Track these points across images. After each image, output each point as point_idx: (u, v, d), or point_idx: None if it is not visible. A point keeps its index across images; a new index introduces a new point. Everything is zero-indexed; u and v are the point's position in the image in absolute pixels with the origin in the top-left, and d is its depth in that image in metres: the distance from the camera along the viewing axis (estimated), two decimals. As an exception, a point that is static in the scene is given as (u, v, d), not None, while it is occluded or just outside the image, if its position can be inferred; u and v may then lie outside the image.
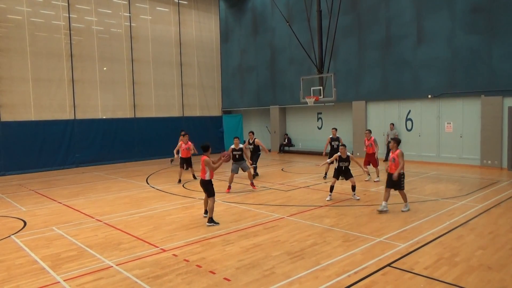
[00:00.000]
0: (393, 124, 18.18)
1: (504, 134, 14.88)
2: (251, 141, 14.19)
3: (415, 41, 17.18)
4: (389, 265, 5.76)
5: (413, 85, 17.41)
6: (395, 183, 8.73)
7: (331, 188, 10.25)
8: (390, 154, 9.10)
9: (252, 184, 12.00)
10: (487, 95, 15.15)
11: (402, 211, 8.90)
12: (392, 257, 6.05)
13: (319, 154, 21.60)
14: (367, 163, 12.84)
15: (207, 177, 8.29)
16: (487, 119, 15.22)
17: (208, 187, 8.29)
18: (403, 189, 8.90)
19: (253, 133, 14.66)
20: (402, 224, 7.85)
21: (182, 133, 15.32)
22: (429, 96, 16.86)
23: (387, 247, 6.52)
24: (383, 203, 8.85)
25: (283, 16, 20.16)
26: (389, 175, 8.89)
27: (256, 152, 14.26)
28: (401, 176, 8.78)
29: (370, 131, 12.99)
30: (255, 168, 14.35)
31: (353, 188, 10.30)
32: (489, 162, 15.18)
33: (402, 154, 8.82)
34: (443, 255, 6.12)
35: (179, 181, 13.54)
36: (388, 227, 7.67)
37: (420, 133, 17.52)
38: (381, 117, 18.98)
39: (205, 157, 8.23)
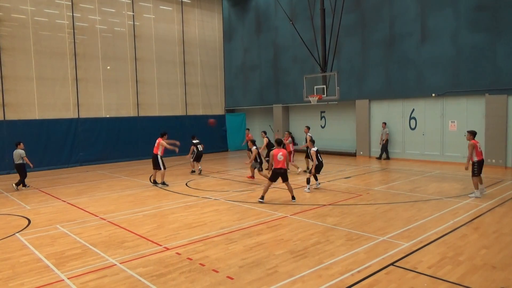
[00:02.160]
0: (385, 123, 18.50)
1: (508, 133, 14.79)
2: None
3: (419, 39, 17.10)
4: (392, 264, 5.75)
5: (417, 84, 17.34)
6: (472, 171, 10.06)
7: (307, 180, 11.46)
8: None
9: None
10: (492, 94, 15.06)
11: (469, 196, 9.99)
12: (395, 256, 6.04)
13: (323, 153, 21.61)
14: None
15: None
16: (491, 118, 15.13)
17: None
18: (473, 175, 10.01)
19: (265, 132, 16.09)
20: (405, 223, 7.83)
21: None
22: (433, 94, 16.79)
23: (390, 246, 6.51)
24: (476, 191, 10.07)
25: (286, 15, 20.13)
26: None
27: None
28: (473, 164, 9.98)
29: (290, 132, 15.24)
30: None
31: (307, 180, 11.48)
32: (493, 161, 15.09)
33: (471, 145, 9.93)
34: (447, 254, 6.10)
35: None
36: (391, 226, 7.65)
37: (424, 131, 17.46)
38: (385, 115, 18.91)
39: (284, 150, 10.04)
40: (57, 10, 18.14)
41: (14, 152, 12.91)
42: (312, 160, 11.54)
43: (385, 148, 18.46)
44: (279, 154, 9.80)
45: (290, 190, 10.06)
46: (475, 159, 9.96)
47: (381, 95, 18.82)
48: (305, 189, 11.34)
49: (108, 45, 19.79)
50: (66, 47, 18.38)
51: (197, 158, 15.23)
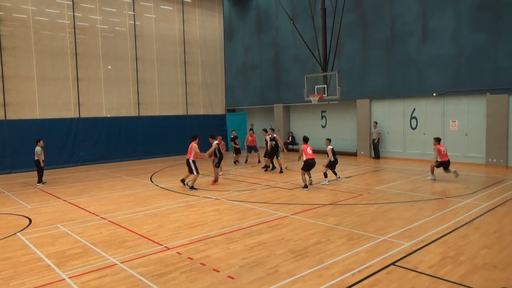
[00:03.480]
0: (376, 123, 18.79)
1: (509, 133, 14.77)
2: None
3: (420, 39, 17.08)
4: (393, 263, 5.75)
5: (418, 83, 17.32)
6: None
7: (325, 174, 12.65)
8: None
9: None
10: (493, 93, 15.04)
11: (427, 179, 12.09)
12: (396, 256, 6.04)
13: (322, 152, 21.58)
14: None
15: None
16: (492, 117, 15.11)
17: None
18: (435, 167, 12.56)
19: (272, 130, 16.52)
20: (406, 223, 7.83)
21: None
22: (434, 94, 16.77)
23: (391, 246, 6.50)
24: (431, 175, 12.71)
25: (287, 14, 20.12)
26: None
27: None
28: (437, 162, 12.44)
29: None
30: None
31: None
32: (494, 160, 15.08)
33: (435, 149, 12.40)
34: (448, 254, 6.10)
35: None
36: (392, 226, 7.65)
37: (425, 131, 17.44)
38: (386, 115, 18.91)
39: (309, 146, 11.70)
40: (58, 10, 18.14)
41: (35, 148, 13.68)
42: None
43: (376, 147, 18.69)
44: (308, 148, 11.60)
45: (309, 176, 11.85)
46: (439, 159, 12.35)
47: (382, 94, 18.80)
48: (323, 182, 12.34)
49: (109, 45, 19.80)
50: (67, 46, 18.39)
51: (236, 151, 17.87)
